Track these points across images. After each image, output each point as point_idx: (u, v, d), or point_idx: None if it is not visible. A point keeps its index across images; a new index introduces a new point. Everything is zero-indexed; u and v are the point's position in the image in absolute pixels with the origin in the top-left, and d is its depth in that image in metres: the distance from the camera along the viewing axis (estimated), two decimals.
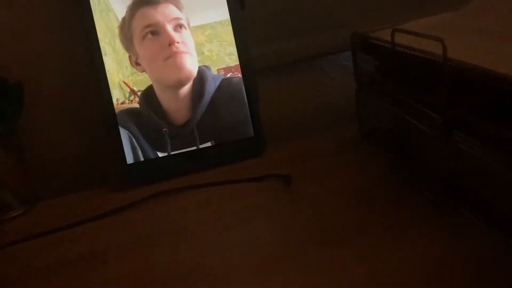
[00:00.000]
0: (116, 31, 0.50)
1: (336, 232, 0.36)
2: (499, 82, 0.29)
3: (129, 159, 0.50)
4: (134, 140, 0.50)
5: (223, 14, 0.51)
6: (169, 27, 0.50)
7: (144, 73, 0.50)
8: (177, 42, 0.50)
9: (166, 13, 0.50)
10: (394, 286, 0.30)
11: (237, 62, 0.52)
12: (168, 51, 0.49)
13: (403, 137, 0.42)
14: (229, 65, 0.52)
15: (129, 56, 0.50)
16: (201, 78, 0.51)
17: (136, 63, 0.50)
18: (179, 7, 0.50)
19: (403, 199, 0.39)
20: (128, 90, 0.51)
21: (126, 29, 0.50)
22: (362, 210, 0.39)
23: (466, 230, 0.34)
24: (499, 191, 0.31)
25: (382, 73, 0.45)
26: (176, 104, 0.51)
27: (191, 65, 0.50)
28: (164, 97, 0.51)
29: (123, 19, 0.50)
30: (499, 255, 0.31)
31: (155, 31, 0.49)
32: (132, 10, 0.50)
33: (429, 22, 0.43)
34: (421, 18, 0.45)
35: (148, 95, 0.51)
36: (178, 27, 0.50)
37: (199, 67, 0.51)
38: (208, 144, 0.52)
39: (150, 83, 0.51)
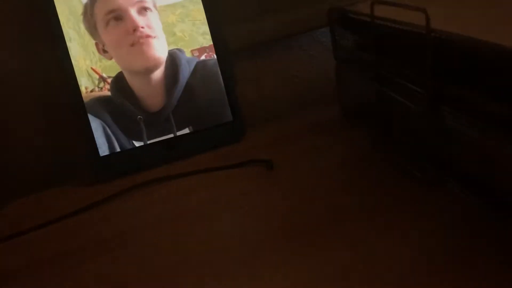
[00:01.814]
0: (80, 14, 0.47)
1: (321, 217, 0.35)
2: (487, 52, 0.27)
3: (103, 150, 0.48)
4: (108, 129, 0.48)
5: None
6: (133, 11, 0.47)
7: (113, 60, 0.48)
8: (142, 27, 0.47)
9: None
10: (384, 270, 0.29)
11: (212, 42, 0.49)
12: (132, 37, 0.47)
13: (387, 114, 0.41)
14: (203, 46, 0.50)
15: (96, 44, 0.48)
16: (174, 62, 0.48)
17: (103, 51, 0.48)
18: None
19: (389, 178, 0.38)
20: (97, 77, 0.48)
21: (89, 16, 0.47)
22: (347, 192, 0.38)
23: (455, 206, 0.33)
24: (488, 167, 0.30)
25: (362, 49, 0.43)
26: (149, 90, 0.48)
27: (159, 50, 0.48)
28: (135, 84, 0.48)
29: (85, 5, 0.47)
30: (489, 230, 0.30)
31: (118, 16, 0.47)
32: None
33: None
34: None
35: (119, 81, 0.48)
36: (143, 10, 0.47)
37: (171, 50, 0.48)
38: (186, 130, 0.49)
39: (119, 68, 0.48)
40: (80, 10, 0.47)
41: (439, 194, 0.35)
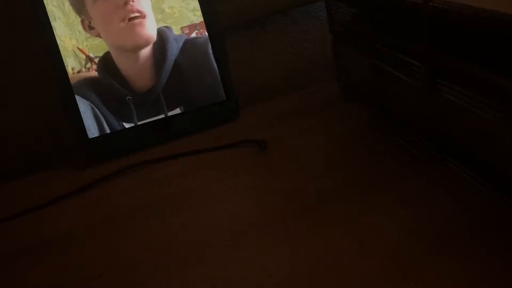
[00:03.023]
0: None
1: (317, 197, 0.34)
2: (487, 22, 0.25)
3: (92, 132, 0.46)
4: (97, 110, 0.46)
5: None
6: None
7: (98, 37, 0.46)
8: (133, 1, 0.45)
9: None
10: (383, 248, 0.28)
11: (202, 19, 0.47)
12: (123, 11, 0.45)
13: (384, 89, 0.39)
14: (193, 22, 0.48)
15: (82, 20, 0.46)
16: (161, 40, 0.46)
17: (89, 27, 0.46)
18: None
19: (386, 155, 0.37)
20: (84, 57, 0.46)
21: None
22: (344, 171, 0.36)
23: (453, 183, 0.32)
24: (488, 142, 0.29)
25: (358, 22, 0.41)
26: (137, 69, 0.47)
27: (150, 28, 0.46)
28: (123, 63, 0.46)
29: None
30: (488, 206, 0.29)
31: None
32: None
33: None
34: None
35: (107, 61, 0.46)
36: None
37: (159, 28, 0.47)
38: (177, 111, 0.48)
39: (107, 48, 0.46)
40: None
41: (436, 171, 0.33)
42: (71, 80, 0.46)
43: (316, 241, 0.30)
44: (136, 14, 0.45)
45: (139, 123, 0.47)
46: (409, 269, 0.26)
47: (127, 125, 0.47)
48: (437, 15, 0.29)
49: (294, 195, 0.35)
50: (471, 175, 0.31)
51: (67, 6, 0.45)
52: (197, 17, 0.47)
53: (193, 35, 0.48)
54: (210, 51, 0.48)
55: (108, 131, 0.47)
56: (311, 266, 0.28)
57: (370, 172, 0.35)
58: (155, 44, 0.46)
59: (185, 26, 0.47)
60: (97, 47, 0.46)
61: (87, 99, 0.46)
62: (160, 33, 0.46)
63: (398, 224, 0.30)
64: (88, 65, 0.46)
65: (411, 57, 0.33)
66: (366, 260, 0.27)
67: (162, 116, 0.48)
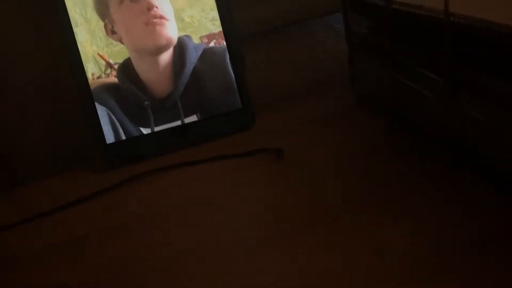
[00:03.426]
0: None
1: (333, 208, 0.34)
2: (508, 36, 0.26)
3: (109, 138, 0.47)
4: (113, 117, 0.47)
5: None
6: None
7: (120, 42, 0.47)
8: (156, 7, 0.46)
9: None
10: (399, 263, 0.28)
11: (221, 29, 0.48)
12: (147, 15, 0.46)
13: (402, 102, 0.39)
14: (212, 32, 0.48)
15: (105, 25, 0.47)
16: (181, 48, 0.47)
17: (112, 32, 0.47)
18: None
19: (403, 165, 0.37)
20: (104, 63, 0.47)
21: None
22: (360, 182, 0.37)
23: (471, 196, 0.32)
24: (508, 156, 0.29)
25: (377, 34, 0.41)
26: (156, 75, 0.47)
27: (171, 31, 0.47)
28: (143, 68, 0.47)
29: None
30: (507, 220, 0.29)
31: None
32: None
33: None
34: None
35: (126, 67, 0.47)
36: None
37: (179, 36, 0.47)
38: (194, 118, 0.48)
39: (127, 55, 0.47)
40: None
41: (454, 183, 0.33)
42: (90, 86, 0.46)
43: (330, 251, 0.30)
44: (159, 20, 0.46)
45: (156, 129, 0.48)
46: (427, 282, 0.26)
47: (144, 131, 0.48)
48: (458, 30, 0.29)
49: (309, 205, 0.35)
50: (490, 189, 0.31)
51: (89, 13, 0.46)
52: (216, 26, 0.48)
53: (212, 44, 0.48)
54: (228, 60, 0.48)
55: (123, 137, 0.47)
56: (324, 278, 0.28)
57: (386, 183, 0.36)
58: (175, 51, 0.47)
59: (204, 36, 0.48)
60: (117, 53, 0.47)
61: (104, 105, 0.47)
62: (180, 41, 0.47)
63: (416, 236, 0.30)
64: (108, 71, 0.47)
65: (431, 70, 0.33)
66: (382, 272, 0.27)
67: (179, 122, 0.48)
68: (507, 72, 0.27)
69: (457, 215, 0.31)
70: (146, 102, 0.47)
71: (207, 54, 0.48)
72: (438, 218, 0.31)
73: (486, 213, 0.30)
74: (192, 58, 0.48)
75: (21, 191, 0.47)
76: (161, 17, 0.46)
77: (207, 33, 0.48)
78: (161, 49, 0.47)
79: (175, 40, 0.47)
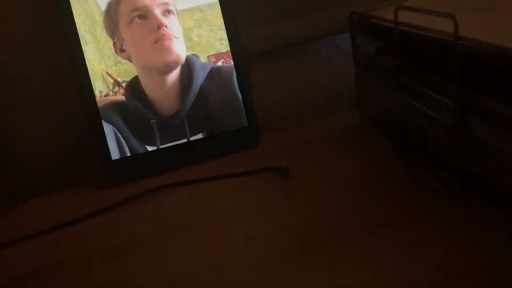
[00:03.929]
0: (97, 17, 0.47)
1: (338, 230, 0.34)
2: None
3: (115, 154, 0.47)
4: (119, 134, 0.47)
5: None
6: (158, 11, 0.47)
7: (128, 60, 0.47)
8: (166, 26, 0.46)
9: None
10: (407, 285, 0.27)
11: (229, 48, 0.48)
12: (156, 34, 0.47)
13: (409, 124, 0.39)
14: (220, 51, 0.49)
15: (114, 43, 0.47)
16: (189, 66, 0.47)
17: (121, 50, 0.47)
18: None
19: (409, 190, 0.37)
20: (112, 81, 0.47)
21: (112, 12, 0.47)
22: (366, 204, 0.36)
23: (478, 222, 0.31)
24: None
25: (384, 55, 0.42)
26: (164, 93, 0.47)
27: (179, 49, 0.47)
28: (150, 86, 0.47)
29: (110, 3, 0.47)
30: None
31: (143, 14, 0.46)
32: None
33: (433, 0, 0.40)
34: None
35: (134, 86, 0.47)
36: (167, 12, 0.47)
37: (187, 55, 0.48)
38: (200, 136, 0.48)
39: (134, 73, 0.47)
40: (97, 12, 0.46)
41: (462, 208, 0.33)
42: (98, 104, 0.47)
43: (334, 276, 0.29)
44: (167, 38, 0.47)
45: (161, 146, 0.48)
46: None
47: (149, 148, 0.48)
48: (468, 53, 0.29)
49: (315, 227, 0.35)
50: (498, 215, 0.31)
51: (98, 31, 0.47)
52: (224, 46, 0.48)
53: (219, 63, 0.49)
54: (235, 79, 0.48)
55: (128, 154, 0.47)
56: None
57: (393, 206, 0.35)
58: (182, 70, 0.47)
59: (212, 55, 0.48)
60: (125, 72, 0.47)
61: (111, 123, 0.47)
62: (188, 60, 0.47)
63: (423, 261, 0.29)
64: (115, 89, 0.47)
65: (440, 93, 0.33)
66: None
67: (185, 140, 0.48)
68: None
69: (465, 241, 0.30)
70: (152, 120, 0.47)
71: (214, 73, 0.48)
72: (446, 242, 0.30)
73: (495, 239, 0.30)
74: (200, 77, 0.48)
75: (24, 207, 0.47)
76: (170, 36, 0.47)
77: (215, 52, 0.49)
78: (169, 67, 0.47)
79: (183, 58, 0.48)
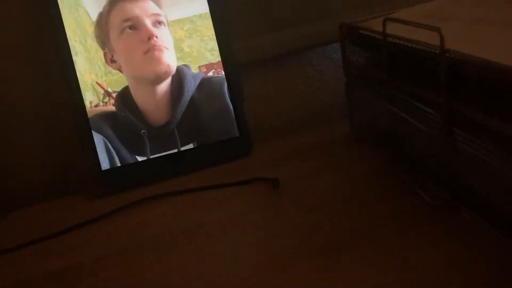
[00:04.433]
0: (87, 28, 0.47)
1: (328, 241, 0.34)
2: (503, 75, 0.26)
3: (105, 164, 0.47)
4: (109, 145, 0.47)
5: (203, 6, 0.48)
6: (148, 22, 0.47)
7: (119, 71, 0.47)
8: (156, 37, 0.47)
9: (145, 8, 0.47)
10: None
11: (220, 59, 0.49)
12: (147, 45, 0.47)
13: (398, 135, 0.39)
14: (211, 62, 0.49)
15: (105, 53, 0.47)
16: (179, 77, 0.48)
17: (111, 60, 0.47)
18: (158, 3, 0.48)
19: (399, 201, 0.37)
20: (102, 91, 0.47)
21: (103, 23, 0.47)
22: (356, 215, 0.36)
23: (467, 233, 0.31)
24: (504, 193, 0.29)
25: (373, 66, 0.42)
26: (154, 103, 0.47)
27: (170, 60, 0.48)
28: (141, 96, 0.47)
29: (100, 13, 0.47)
30: (502, 258, 0.29)
31: (134, 25, 0.47)
32: (110, 4, 0.47)
33: (424, 10, 0.40)
34: (414, 5, 0.43)
35: (124, 96, 0.47)
36: (157, 23, 0.47)
37: (178, 66, 0.48)
38: (190, 146, 0.48)
39: (125, 83, 0.47)
40: (88, 23, 0.47)
41: (450, 221, 0.33)
42: (88, 114, 0.47)
43: (324, 283, 0.29)
44: (158, 49, 0.47)
45: (152, 156, 0.48)
46: None
47: (140, 158, 0.48)
48: (454, 66, 0.30)
49: (304, 237, 0.35)
50: (485, 226, 0.31)
51: (89, 42, 0.47)
52: (215, 57, 0.49)
53: (210, 73, 0.49)
54: (226, 89, 0.49)
55: (118, 164, 0.47)
56: None
57: (383, 217, 0.35)
58: (173, 80, 0.48)
59: (203, 65, 0.49)
60: (116, 82, 0.47)
61: (101, 133, 0.47)
62: (179, 70, 0.48)
63: (413, 272, 0.29)
64: (106, 99, 0.47)
65: (427, 104, 0.33)
66: None
67: (175, 150, 0.48)
68: (503, 109, 0.27)
69: (454, 252, 0.30)
70: (142, 131, 0.47)
71: (205, 83, 0.48)
72: (435, 254, 0.30)
73: (483, 251, 0.30)
74: (190, 87, 0.48)
75: (15, 217, 0.47)
76: (161, 47, 0.47)
77: (206, 63, 0.49)
78: (160, 78, 0.47)
79: (173, 69, 0.48)
